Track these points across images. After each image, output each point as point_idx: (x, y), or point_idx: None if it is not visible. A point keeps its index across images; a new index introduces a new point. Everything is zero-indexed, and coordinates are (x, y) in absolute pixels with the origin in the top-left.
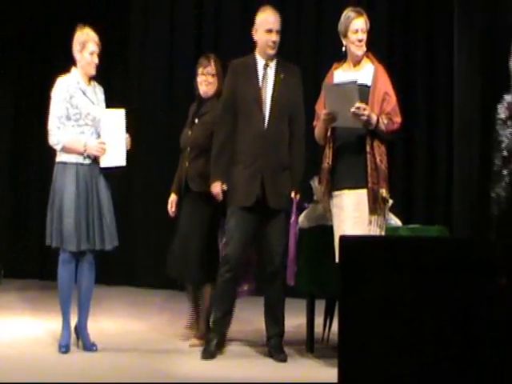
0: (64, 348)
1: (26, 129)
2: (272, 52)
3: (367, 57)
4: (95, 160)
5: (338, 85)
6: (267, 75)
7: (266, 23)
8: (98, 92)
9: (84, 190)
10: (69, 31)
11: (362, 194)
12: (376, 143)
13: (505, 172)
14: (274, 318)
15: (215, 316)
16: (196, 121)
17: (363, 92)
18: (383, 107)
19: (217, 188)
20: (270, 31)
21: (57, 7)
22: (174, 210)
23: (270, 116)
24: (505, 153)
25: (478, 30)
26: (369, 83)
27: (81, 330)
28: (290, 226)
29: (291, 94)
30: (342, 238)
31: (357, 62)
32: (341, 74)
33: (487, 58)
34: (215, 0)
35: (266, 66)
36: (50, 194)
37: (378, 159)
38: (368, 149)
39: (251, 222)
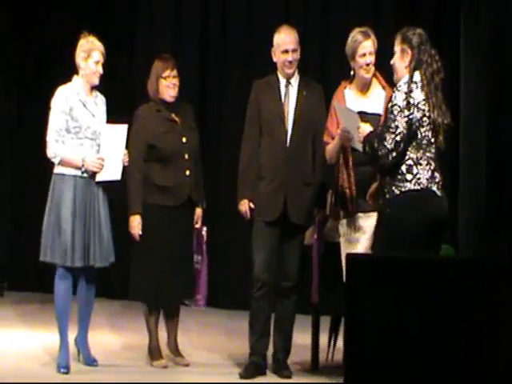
0: (64, 369)
1: (28, 137)
2: (290, 71)
3: (375, 77)
4: (92, 174)
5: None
6: (289, 92)
7: (282, 44)
8: (99, 103)
9: (82, 203)
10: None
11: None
12: None
13: (394, 154)
14: (284, 333)
15: (254, 338)
16: (178, 127)
17: (375, 121)
18: None
19: (244, 206)
20: (285, 52)
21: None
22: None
23: (292, 132)
24: (398, 138)
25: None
26: (380, 111)
27: (81, 344)
28: (313, 242)
29: (314, 111)
30: (349, 257)
31: (365, 86)
32: (352, 100)
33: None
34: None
35: (288, 83)
36: (47, 205)
37: None
38: None
39: (276, 239)
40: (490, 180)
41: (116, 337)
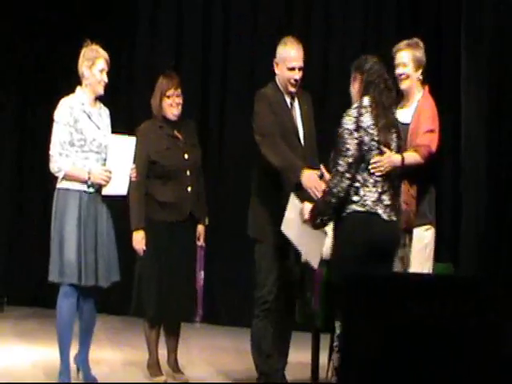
0: None
1: (30, 151)
2: (294, 90)
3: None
4: (99, 188)
5: None
6: (294, 108)
7: (289, 60)
8: (103, 115)
9: (87, 220)
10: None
11: None
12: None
13: (347, 175)
14: (283, 349)
15: (261, 358)
16: (181, 143)
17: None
18: (413, 141)
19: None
20: (292, 69)
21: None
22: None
23: (305, 149)
24: (350, 160)
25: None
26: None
27: (82, 363)
28: None
29: (313, 125)
30: (346, 277)
31: (406, 97)
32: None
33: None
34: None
35: (292, 98)
36: (52, 223)
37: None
38: None
39: (281, 259)
40: (492, 194)
41: (115, 353)
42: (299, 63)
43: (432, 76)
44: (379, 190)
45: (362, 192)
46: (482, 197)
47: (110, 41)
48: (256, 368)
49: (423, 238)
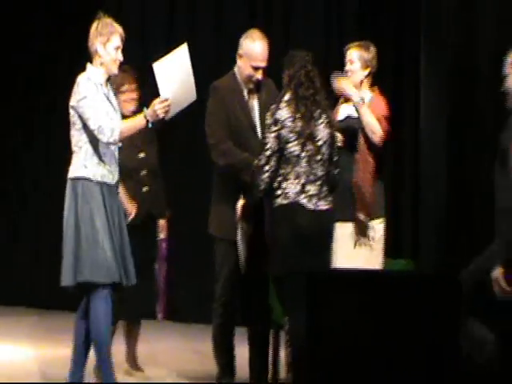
0: None
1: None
2: (253, 87)
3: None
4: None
5: None
6: (253, 99)
7: (255, 59)
8: (112, 96)
9: (111, 214)
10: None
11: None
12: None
13: (266, 168)
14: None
15: (219, 353)
16: (137, 141)
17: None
18: None
19: None
20: (256, 68)
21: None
22: None
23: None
24: (268, 152)
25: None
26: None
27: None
28: None
29: None
30: (309, 275)
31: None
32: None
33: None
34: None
35: (250, 90)
36: (70, 216)
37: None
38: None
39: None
40: (451, 193)
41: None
42: (264, 64)
43: (392, 79)
44: (302, 181)
45: (284, 185)
46: (441, 194)
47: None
48: (217, 364)
49: (378, 231)
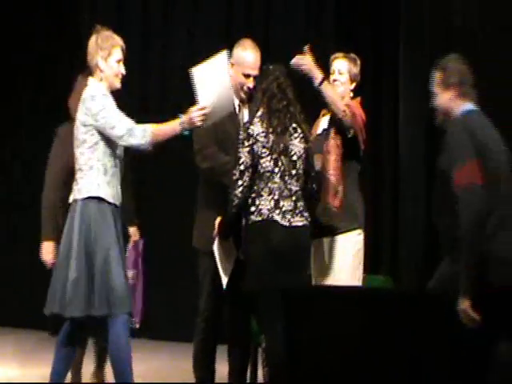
0: None
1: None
2: (245, 96)
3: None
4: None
5: None
6: (243, 110)
7: (247, 66)
8: None
9: (119, 239)
10: None
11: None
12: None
13: (240, 182)
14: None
15: (198, 368)
16: None
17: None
18: None
19: None
20: (247, 76)
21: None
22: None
23: None
24: (241, 167)
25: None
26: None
27: None
28: None
29: None
30: (287, 292)
31: None
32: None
33: None
34: None
35: (241, 100)
36: (79, 241)
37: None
38: None
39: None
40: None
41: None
42: (255, 72)
43: (371, 87)
44: (276, 196)
45: (257, 201)
46: (420, 206)
47: None
48: (195, 378)
49: (356, 243)
